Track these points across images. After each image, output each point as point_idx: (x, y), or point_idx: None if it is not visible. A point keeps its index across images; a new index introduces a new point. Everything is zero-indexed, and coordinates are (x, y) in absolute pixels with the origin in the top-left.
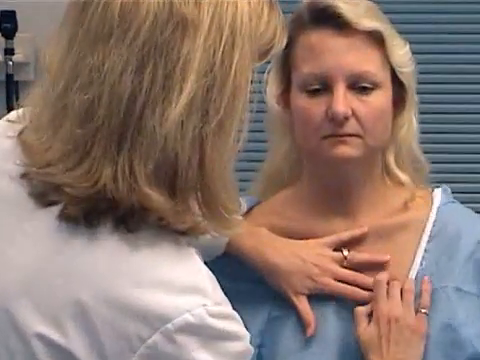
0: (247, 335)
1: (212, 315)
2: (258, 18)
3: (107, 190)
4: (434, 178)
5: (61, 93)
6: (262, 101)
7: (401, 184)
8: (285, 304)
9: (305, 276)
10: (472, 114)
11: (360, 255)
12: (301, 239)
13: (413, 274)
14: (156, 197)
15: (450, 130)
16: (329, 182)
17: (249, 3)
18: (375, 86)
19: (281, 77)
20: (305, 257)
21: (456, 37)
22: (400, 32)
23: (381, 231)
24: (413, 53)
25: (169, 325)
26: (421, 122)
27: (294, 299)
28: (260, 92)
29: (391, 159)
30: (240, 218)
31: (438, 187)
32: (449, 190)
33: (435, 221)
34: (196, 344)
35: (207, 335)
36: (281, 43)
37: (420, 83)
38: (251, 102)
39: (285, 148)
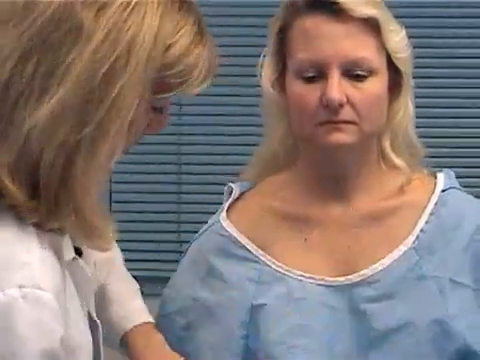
0: (57, 332)
1: (24, 297)
2: (165, 47)
3: None
4: (430, 163)
5: None
6: (256, 85)
7: (396, 168)
8: (267, 292)
9: None
10: (469, 99)
11: None
12: (296, 221)
13: (403, 249)
14: (13, 190)
15: (446, 115)
16: (325, 167)
17: (162, 27)
18: (371, 73)
19: (276, 62)
20: None
21: (454, 21)
22: (395, 16)
23: (376, 214)
24: (409, 37)
25: None
26: (417, 106)
27: None
28: (255, 76)
29: (387, 144)
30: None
31: (438, 172)
32: (452, 174)
33: (436, 204)
34: None
35: (13, 321)
36: (202, 81)
37: (416, 67)
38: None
39: (281, 132)
